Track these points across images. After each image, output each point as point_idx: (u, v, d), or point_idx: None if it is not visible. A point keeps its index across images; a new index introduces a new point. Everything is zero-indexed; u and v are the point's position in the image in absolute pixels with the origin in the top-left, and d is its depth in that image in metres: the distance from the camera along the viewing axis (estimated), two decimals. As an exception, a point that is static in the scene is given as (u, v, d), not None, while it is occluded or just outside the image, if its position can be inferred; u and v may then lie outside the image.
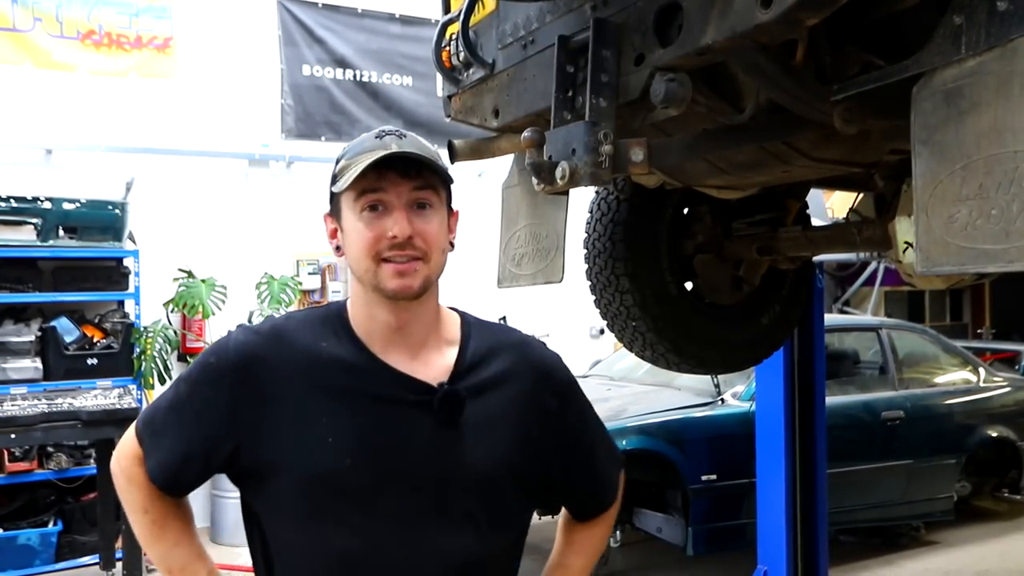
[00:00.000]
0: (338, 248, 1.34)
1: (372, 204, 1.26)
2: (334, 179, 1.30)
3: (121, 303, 5.51)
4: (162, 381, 5.34)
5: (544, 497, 1.43)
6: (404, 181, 1.25)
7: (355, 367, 1.29)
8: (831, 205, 6.74)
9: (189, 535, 1.37)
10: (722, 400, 5.01)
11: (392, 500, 1.25)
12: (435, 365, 1.32)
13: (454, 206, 1.36)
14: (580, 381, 1.51)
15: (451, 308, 1.42)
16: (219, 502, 5.67)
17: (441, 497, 1.27)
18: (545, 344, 1.48)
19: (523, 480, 1.36)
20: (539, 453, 1.36)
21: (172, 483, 1.33)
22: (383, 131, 1.29)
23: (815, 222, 3.35)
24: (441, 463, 1.27)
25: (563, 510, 1.55)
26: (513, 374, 1.36)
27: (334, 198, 1.32)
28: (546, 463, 1.39)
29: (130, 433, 1.36)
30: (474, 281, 6.11)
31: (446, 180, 1.31)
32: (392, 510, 1.25)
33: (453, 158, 2.47)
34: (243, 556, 5.31)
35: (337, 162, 1.31)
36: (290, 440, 1.25)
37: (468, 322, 1.41)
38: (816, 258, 3.46)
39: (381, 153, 1.24)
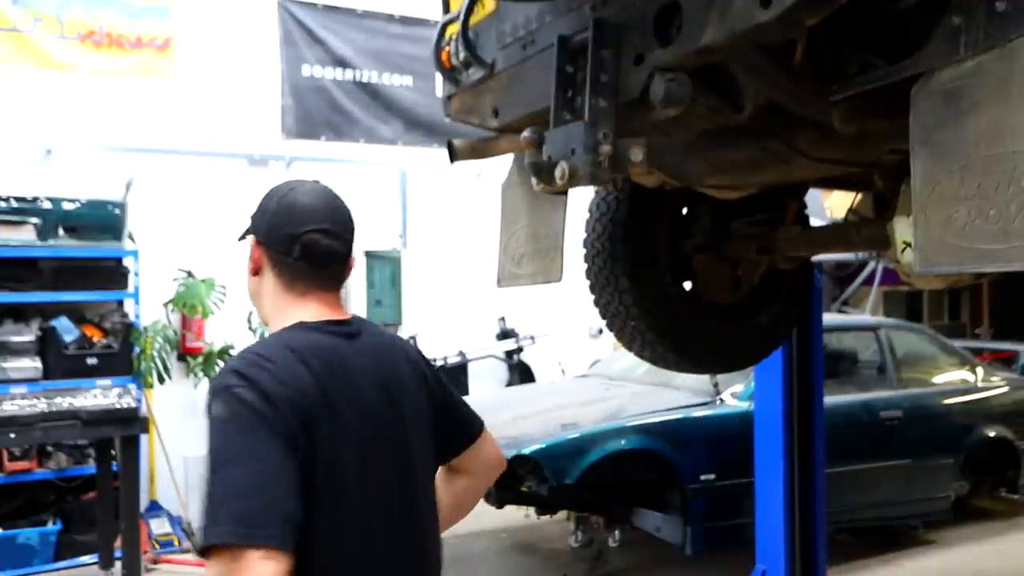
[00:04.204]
0: None
1: None
2: None
3: (121, 303, 5.51)
4: (161, 381, 5.33)
5: None
6: None
7: None
8: (830, 205, 6.73)
9: None
10: (721, 400, 5.01)
11: None
12: None
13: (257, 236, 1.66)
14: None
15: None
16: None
17: None
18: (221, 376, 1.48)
19: None
20: None
21: None
22: None
23: (814, 222, 3.35)
24: None
25: None
26: None
27: None
28: None
29: None
30: (474, 280, 6.09)
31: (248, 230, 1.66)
32: None
33: (453, 158, 2.46)
34: (242, 555, 5.30)
35: None
36: None
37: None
38: (815, 258, 3.47)
39: None
